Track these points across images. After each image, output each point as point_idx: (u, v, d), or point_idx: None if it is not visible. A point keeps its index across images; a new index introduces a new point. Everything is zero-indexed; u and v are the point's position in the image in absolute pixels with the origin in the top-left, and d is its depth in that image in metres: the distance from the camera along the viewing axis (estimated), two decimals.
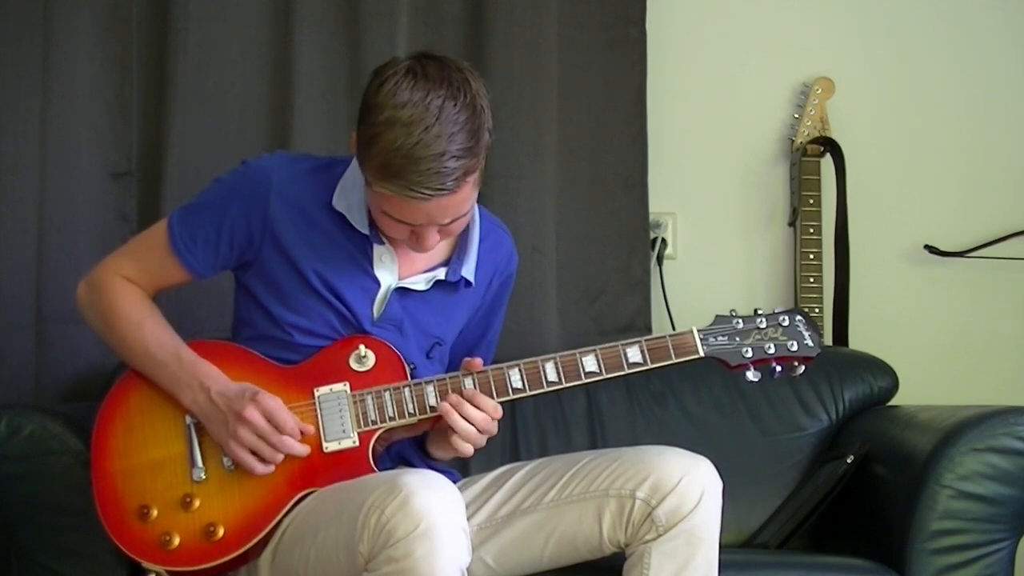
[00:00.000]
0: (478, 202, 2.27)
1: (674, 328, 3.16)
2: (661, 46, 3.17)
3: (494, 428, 2.22)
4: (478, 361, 2.23)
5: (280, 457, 2.17)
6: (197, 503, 2.18)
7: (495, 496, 2.27)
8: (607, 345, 2.23)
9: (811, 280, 3.16)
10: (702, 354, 2.23)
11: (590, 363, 2.22)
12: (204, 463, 2.20)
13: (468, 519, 2.09)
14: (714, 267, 3.27)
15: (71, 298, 2.36)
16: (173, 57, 2.97)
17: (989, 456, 2.45)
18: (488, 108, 2.15)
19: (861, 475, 2.66)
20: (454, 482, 2.18)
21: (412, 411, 2.21)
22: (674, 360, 2.23)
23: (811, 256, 3.16)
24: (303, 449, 2.19)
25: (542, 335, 3.05)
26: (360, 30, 3.03)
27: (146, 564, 2.17)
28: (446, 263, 2.33)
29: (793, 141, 3.23)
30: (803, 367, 2.27)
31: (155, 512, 2.18)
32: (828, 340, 3.15)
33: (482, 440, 2.21)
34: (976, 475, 2.45)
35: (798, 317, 2.27)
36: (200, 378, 2.20)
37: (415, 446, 2.36)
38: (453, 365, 2.37)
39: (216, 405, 2.18)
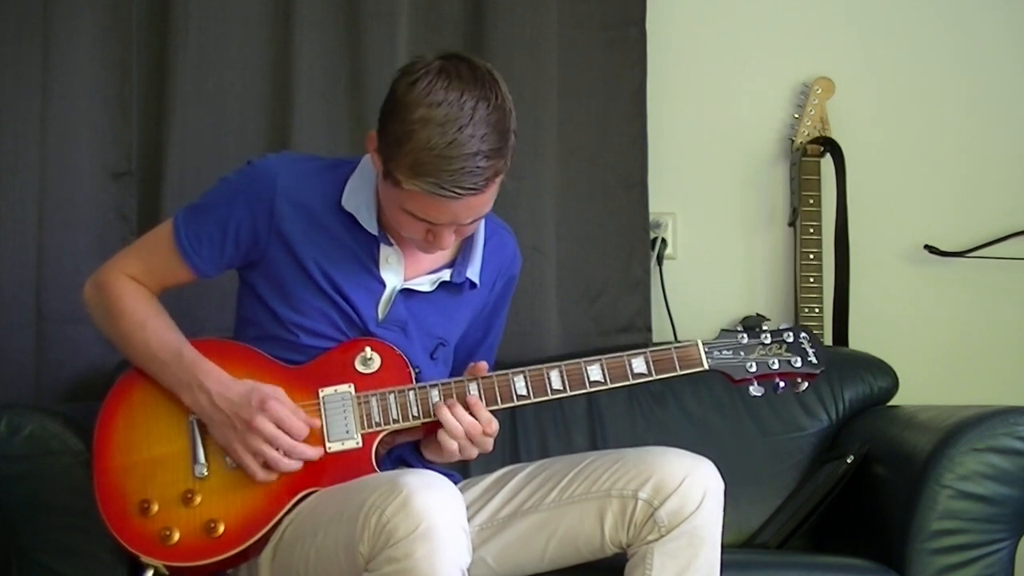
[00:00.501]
0: None
1: (674, 328, 3.18)
2: (661, 46, 3.17)
3: (487, 444, 2.22)
4: (483, 365, 2.24)
5: (288, 464, 2.17)
6: (198, 499, 2.18)
7: (496, 497, 2.28)
8: (612, 356, 2.23)
9: (811, 280, 3.15)
10: (706, 367, 2.25)
11: (595, 372, 2.23)
12: (207, 459, 2.20)
13: (469, 520, 2.09)
14: (714, 267, 3.26)
15: (71, 298, 2.36)
16: (173, 57, 2.97)
17: (989, 456, 2.46)
18: (513, 110, 2.16)
19: (861, 475, 2.66)
20: (455, 483, 2.18)
21: (416, 414, 2.21)
22: (679, 372, 2.24)
23: (811, 256, 3.16)
24: (315, 453, 2.18)
25: (542, 335, 3.05)
26: (360, 30, 3.03)
27: (145, 559, 2.16)
28: (451, 264, 2.33)
29: (793, 141, 3.23)
30: (806, 384, 2.28)
31: (156, 507, 2.17)
32: (828, 340, 3.15)
33: (469, 446, 2.20)
34: (976, 475, 2.45)
35: (803, 334, 2.28)
36: (200, 379, 2.20)
37: (413, 449, 2.35)
38: (455, 366, 2.38)
39: (219, 409, 2.18)
